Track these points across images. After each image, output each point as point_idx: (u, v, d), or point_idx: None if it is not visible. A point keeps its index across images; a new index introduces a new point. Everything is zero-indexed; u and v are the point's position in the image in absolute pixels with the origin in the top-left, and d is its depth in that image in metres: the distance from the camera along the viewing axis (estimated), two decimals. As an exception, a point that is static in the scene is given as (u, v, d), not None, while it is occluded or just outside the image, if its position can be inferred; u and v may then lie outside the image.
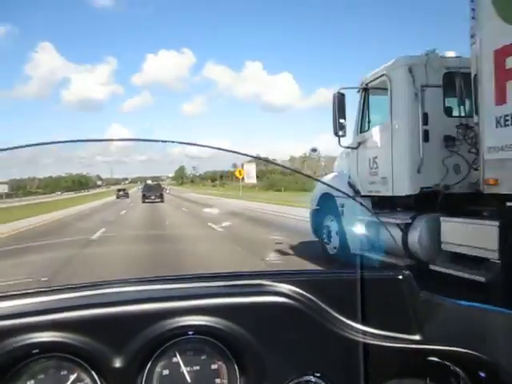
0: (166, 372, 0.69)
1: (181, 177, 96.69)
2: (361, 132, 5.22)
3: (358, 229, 5.06)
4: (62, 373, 0.66)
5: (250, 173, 36.53)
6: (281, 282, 0.76)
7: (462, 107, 4.16)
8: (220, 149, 0.81)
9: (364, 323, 0.73)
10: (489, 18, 3.36)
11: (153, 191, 28.20)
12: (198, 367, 0.70)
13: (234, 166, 68.04)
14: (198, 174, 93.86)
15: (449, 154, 4.29)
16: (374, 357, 0.72)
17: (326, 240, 5.83)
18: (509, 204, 3.32)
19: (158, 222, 13.20)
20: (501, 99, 3.28)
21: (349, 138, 5.39)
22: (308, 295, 0.74)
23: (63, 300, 0.71)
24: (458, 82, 4.00)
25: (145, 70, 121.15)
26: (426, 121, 4.29)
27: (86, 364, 0.66)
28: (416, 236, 4.27)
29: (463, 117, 4.18)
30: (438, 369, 0.72)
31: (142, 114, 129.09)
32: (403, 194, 4.50)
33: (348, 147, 5.39)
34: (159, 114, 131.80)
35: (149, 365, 0.68)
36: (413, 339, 0.74)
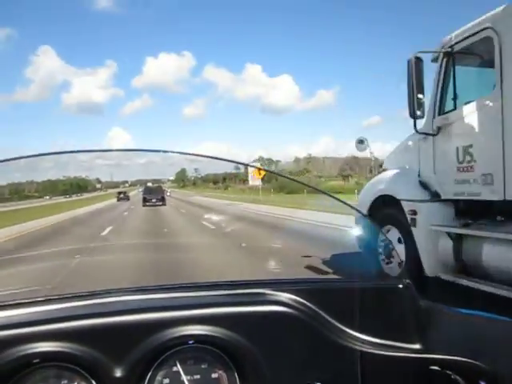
0: (166, 381, 0.71)
1: (182, 179, 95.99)
2: (441, 113, 3.86)
3: (444, 245, 3.82)
4: (62, 382, 0.68)
5: (255, 174, 36.12)
6: (281, 290, 0.77)
7: None
8: (210, 157, 0.89)
9: (364, 332, 0.75)
10: None
11: (154, 194, 26.80)
12: (198, 376, 0.72)
13: (237, 167, 67.74)
14: (199, 177, 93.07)
15: None
16: (374, 366, 0.73)
17: (382, 258, 4.26)
18: None
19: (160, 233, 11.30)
20: None
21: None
22: (308, 304, 0.76)
23: (63, 309, 0.73)
24: None
25: (145, 73, 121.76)
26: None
27: (86, 373, 0.68)
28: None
29: None
30: (439, 378, 0.72)
31: (142, 116, 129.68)
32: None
33: (425, 133, 4.01)
34: (159, 116, 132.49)
35: (149, 374, 0.69)
36: (413, 348, 0.75)
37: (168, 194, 30.63)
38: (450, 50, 3.76)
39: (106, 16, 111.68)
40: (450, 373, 0.72)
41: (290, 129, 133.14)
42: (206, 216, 12.94)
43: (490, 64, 3.46)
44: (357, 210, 1.15)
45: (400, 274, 0.82)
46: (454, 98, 3.77)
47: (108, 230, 9.14)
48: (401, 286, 0.80)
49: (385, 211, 4.38)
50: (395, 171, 4.58)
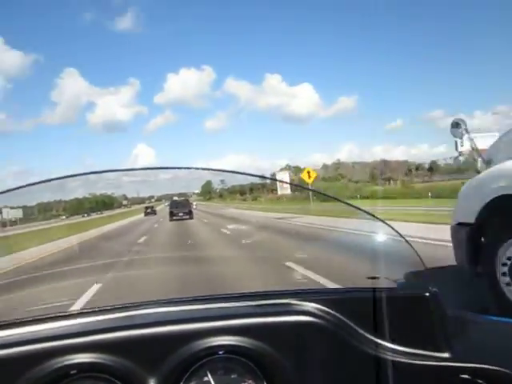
0: None
1: (208, 192, 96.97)
2: None
3: None
4: None
5: (283, 184, 35.66)
6: (308, 300, 0.79)
7: None
8: (236, 172, 0.98)
9: (393, 341, 0.76)
10: None
11: (181, 208, 26.56)
12: None
13: (262, 177, 67.96)
14: (226, 188, 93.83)
15: None
16: (403, 375, 0.74)
17: (507, 281, 2.95)
18: None
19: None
20: None
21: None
22: (335, 314, 0.77)
23: (98, 322, 0.77)
24: None
25: (166, 90, 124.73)
26: None
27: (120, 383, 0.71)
28: None
29: None
30: None
31: (165, 132, 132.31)
32: None
33: None
34: (182, 131, 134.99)
35: (181, 383, 0.72)
36: (442, 357, 0.75)
37: (194, 207, 30.17)
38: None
39: (127, 36, 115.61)
40: (481, 381, 0.72)
41: (313, 137, 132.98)
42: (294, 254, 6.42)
43: None
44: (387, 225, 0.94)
45: (426, 282, 0.80)
46: None
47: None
48: (427, 294, 0.80)
49: (507, 218, 3.04)
50: (505, 166, 3.16)
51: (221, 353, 0.73)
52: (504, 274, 2.96)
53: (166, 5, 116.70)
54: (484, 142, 4.06)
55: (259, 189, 77.50)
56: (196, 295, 0.89)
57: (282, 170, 71.27)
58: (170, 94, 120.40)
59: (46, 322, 0.78)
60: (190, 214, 25.37)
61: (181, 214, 25.23)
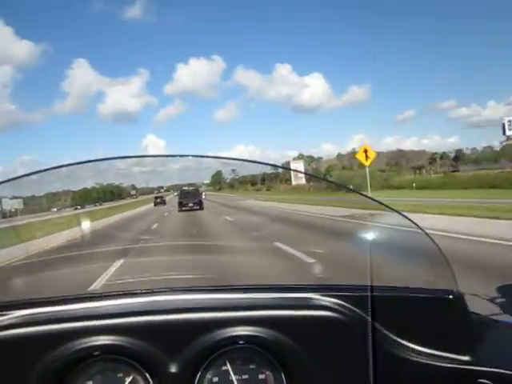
0: (215, 379, 0.76)
1: (218, 182, 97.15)
2: None
3: None
4: (118, 375, 0.75)
5: (298, 173, 34.81)
6: (330, 296, 0.80)
7: None
8: (250, 161, 0.92)
9: (413, 341, 0.77)
10: None
11: (190, 198, 26.17)
12: (246, 376, 0.76)
13: (274, 167, 67.70)
14: (236, 178, 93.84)
15: None
16: (422, 375, 0.75)
17: None
18: None
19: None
20: None
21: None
22: (357, 310, 0.78)
23: (122, 305, 0.80)
24: None
25: (176, 80, 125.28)
26: None
27: (141, 368, 0.74)
28: None
29: None
30: None
31: (175, 122, 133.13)
32: None
33: None
34: (192, 121, 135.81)
35: (200, 371, 0.75)
36: (463, 360, 0.76)
37: (203, 197, 29.78)
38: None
39: (136, 26, 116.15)
40: None
41: (323, 127, 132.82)
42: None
43: None
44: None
45: (451, 284, 0.80)
46: None
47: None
48: (451, 296, 0.81)
49: None
50: None
51: (241, 343, 0.76)
52: None
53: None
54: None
55: (272, 179, 77.26)
56: (213, 284, 0.91)
57: (294, 159, 70.97)
58: (180, 84, 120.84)
59: (72, 302, 0.81)
60: (200, 204, 25.04)
61: (190, 205, 24.95)
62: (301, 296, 0.82)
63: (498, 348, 0.81)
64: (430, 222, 9.81)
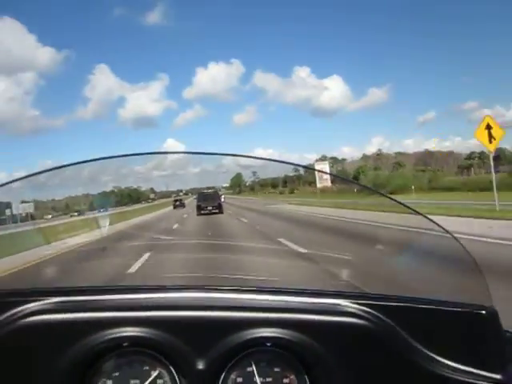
0: (239, 380, 0.77)
1: (238, 185, 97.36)
2: None
3: None
4: (144, 368, 0.77)
5: (323, 175, 33.63)
6: (361, 304, 0.80)
7: None
8: (277, 161, 0.99)
9: (443, 355, 0.77)
10: None
11: (209, 201, 25.31)
12: (270, 379, 0.77)
13: (296, 169, 67.32)
14: (257, 181, 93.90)
15: None
16: None
17: None
18: None
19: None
20: None
21: None
22: (388, 321, 0.78)
23: (154, 299, 0.82)
24: None
25: (195, 84, 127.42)
26: None
27: (168, 362, 0.76)
28: None
29: None
30: None
31: (194, 126, 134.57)
32: None
33: None
34: (211, 125, 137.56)
35: (225, 371, 0.76)
36: (494, 378, 0.75)
37: (223, 200, 28.02)
38: None
39: (156, 31, 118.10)
40: None
41: (342, 130, 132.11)
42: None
43: None
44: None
45: (485, 298, 0.80)
46: None
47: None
48: (484, 312, 0.80)
49: None
50: None
51: (268, 345, 0.77)
52: None
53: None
54: None
55: (294, 181, 77.04)
56: (241, 284, 0.92)
57: (317, 161, 70.57)
58: (199, 88, 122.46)
59: (104, 293, 0.84)
60: (219, 207, 24.40)
61: (209, 208, 24.27)
62: (329, 302, 0.83)
63: None
64: None
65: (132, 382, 0.77)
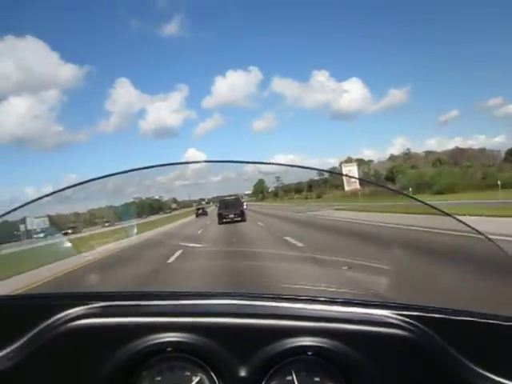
0: None
1: (261, 191, 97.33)
2: None
3: None
4: (185, 373, 0.80)
5: (350, 178, 32.88)
6: (404, 315, 0.81)
7: None
8: (301, 167, 1.05)
9: (488, 369, 0.76)
10: None
11: (231, 208, 24.50)
12: None
13: (320, 173, 66.67)
14: (280, 186, 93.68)
15: None
16: None
17: None
18: None
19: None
20: None
21: None
22: (430, 332, 0.78)
23: (197, 305, 0.86)
24: None
25: (214, 93, 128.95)
26: None
27: (210, 369, 0.78)
28: None
29: None
30: None
31: (214, 135, 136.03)
32: None
33: None
34: (231, 133, 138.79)
35: (266, 379, 0.78)
36: None
37: (245, 207, 26.68)
38: None
39: (173, 42, 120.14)
40: None
41: (362, 132, 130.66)
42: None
43: None
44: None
45: None
46: None
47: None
48: None
49: None
50: None
51: (309, 353, 0.78)
52: None
53: (210, 8, 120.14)
54: None
55: (319, 185, 76.53)
56: (280, 293, 0.93)
57: (342, 163, 70.00)
58: (218, 96, 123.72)
59: (149, 299, 0.87)
60: (242, 215, 23.60)
61: (231, 216, 23.60)
62: (374, 312, 0.83)
63: None
64: None
65: None
